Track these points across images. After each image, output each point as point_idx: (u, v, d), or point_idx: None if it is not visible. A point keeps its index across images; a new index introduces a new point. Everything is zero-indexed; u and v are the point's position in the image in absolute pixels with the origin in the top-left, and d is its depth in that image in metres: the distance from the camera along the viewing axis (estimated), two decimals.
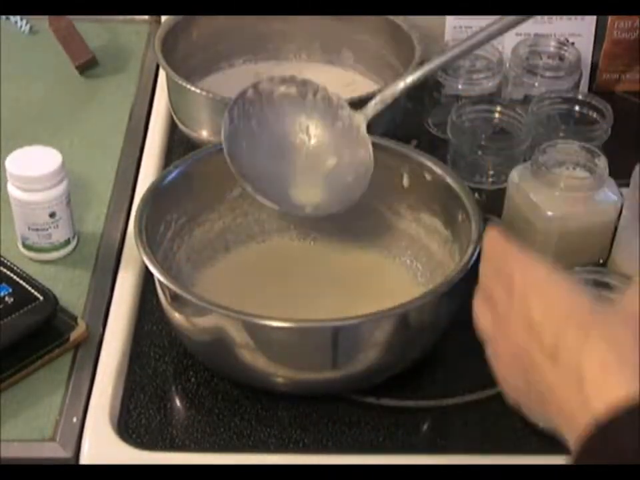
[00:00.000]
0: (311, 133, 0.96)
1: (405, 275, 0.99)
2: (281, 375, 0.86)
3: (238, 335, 0.83)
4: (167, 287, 0.85)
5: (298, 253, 1.01)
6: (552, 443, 0.87)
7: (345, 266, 0.99)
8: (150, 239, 0.88)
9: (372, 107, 0.93)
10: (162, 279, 0.84)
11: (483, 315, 0.73)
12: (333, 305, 0.93)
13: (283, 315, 0.82)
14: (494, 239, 0.73)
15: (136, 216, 0.90)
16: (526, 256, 0.69)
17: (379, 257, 1.00)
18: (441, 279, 0.89)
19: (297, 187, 0.94)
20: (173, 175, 0.95)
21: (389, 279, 0.98)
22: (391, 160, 0.98)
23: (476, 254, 0.86)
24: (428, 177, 0.96)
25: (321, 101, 0.96)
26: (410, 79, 0.95)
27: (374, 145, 0.96)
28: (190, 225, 0.98)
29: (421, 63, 1.03)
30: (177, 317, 0.88)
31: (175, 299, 0.87)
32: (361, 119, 0.94)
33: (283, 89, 0.96)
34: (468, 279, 0.82)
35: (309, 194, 0.94)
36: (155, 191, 0.93)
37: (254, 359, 0.84)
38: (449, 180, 0.95)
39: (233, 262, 0.99)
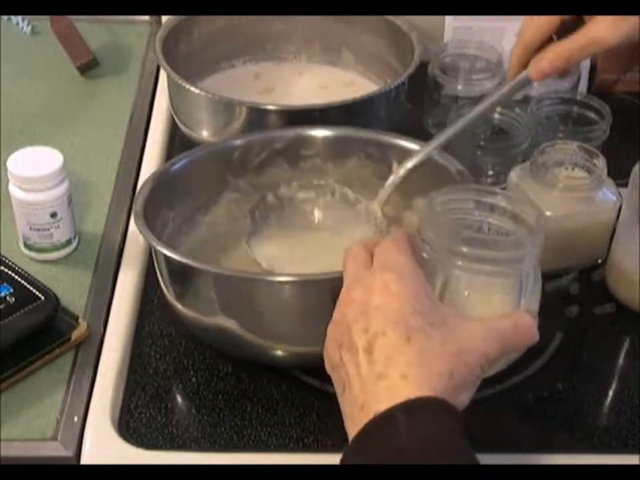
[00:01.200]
0: (332, 225, 0.98)
1: None
2: (284, 338, 0.87)
3: (244, 296, 0.84)
4: (173, 260, 0.85)
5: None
6: (552, 442, 0.87)
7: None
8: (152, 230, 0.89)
9: (382, 194, 0.96)
10: (167, 252, 0.85)
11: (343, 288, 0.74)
12: None
13: None
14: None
15: (135, 205, 0.90)
16: (398, 259, 0.73)
17: None
18: None
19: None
20: (171, 171, 0.96)
21: None
22: (377, 151, 0.99)
23: None
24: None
25: (339, 199, 0.99)
26: (418, 159, 0.96)
27: (358, 138, 0.99)
28: (186, 224, 0.98)
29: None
30: (180, 298, 0.89)
31: (179, 272, 0.87)
32: (375, 207, 0.97)
33: (302, 194, 0.99)
34: None
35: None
36: (155, 184, 0.94)
37: (259, 322, 0.85)
38: (440, 159, 0.96)
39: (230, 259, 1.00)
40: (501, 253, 0.73)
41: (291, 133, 1.01)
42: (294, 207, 0.99)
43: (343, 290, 0.73)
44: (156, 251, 0.88)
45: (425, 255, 0.74)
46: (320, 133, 1.01)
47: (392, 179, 0.96)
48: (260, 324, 0.86)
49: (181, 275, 0.88)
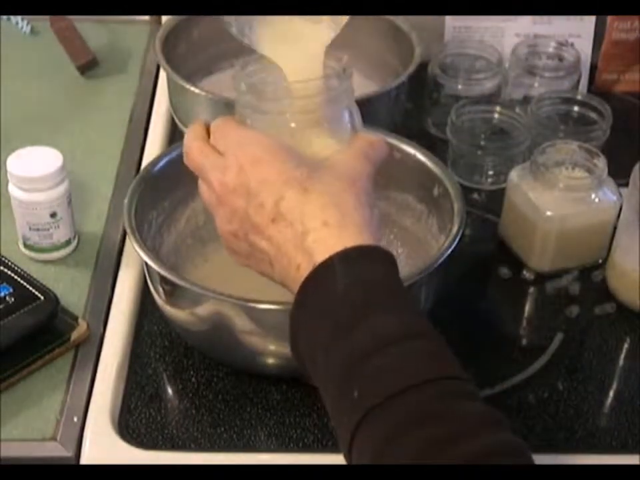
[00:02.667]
0: None
1: None
2: (272, 353, 0.87)
3: (232, 318, 0.84)
4: (166, 279, 0.86)
5: None
6: (552, 442, 0.87)
7: None
8: (141, 236, 0.89)
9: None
10: (163, 272, 0.85)
11: (204, 193, 0.77)
12: None
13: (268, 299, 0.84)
14: (197, 127, 0.78)
15: (127, 215, 0.90)
16: (243, 131, 0.75)
17: None
18: (419, 255, 0.94)
19: None
20: (152, 174, 0.96)
21: None
22: None
23: (461, 231, 0.88)
24: (397, 154, 0.97)
25: None
26: None
27: None
28: (167, 221, 0.98)
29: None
30: (174, 310, 0.89)
31: (172, 292, 0.88)
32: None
33: None
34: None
35: None
36: (141, 189, 0.94)
37: (247, 339, 0.85)
38: (421, 156, 0.96)
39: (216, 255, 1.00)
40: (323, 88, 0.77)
41: None
42: None
43: (213, 185, 0.74)
44: (148, 265, 0.88)
45: (248, 121, 0.77)
46: None
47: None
48: (242, 339, 0.86)
49: (170, 287, 0.88)
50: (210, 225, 1.00)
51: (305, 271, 0.68)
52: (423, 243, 0.97)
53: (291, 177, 0.70)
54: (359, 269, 0.67)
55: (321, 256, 0.67)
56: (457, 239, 0.87)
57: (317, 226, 0.68)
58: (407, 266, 0.97)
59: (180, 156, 0.97)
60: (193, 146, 0.76)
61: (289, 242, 0.69)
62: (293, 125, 0.76)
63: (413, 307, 0.71)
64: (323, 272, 0.67)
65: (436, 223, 0.95)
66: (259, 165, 0.71)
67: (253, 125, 0.77)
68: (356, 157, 0.74)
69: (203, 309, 0.85)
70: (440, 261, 0.85)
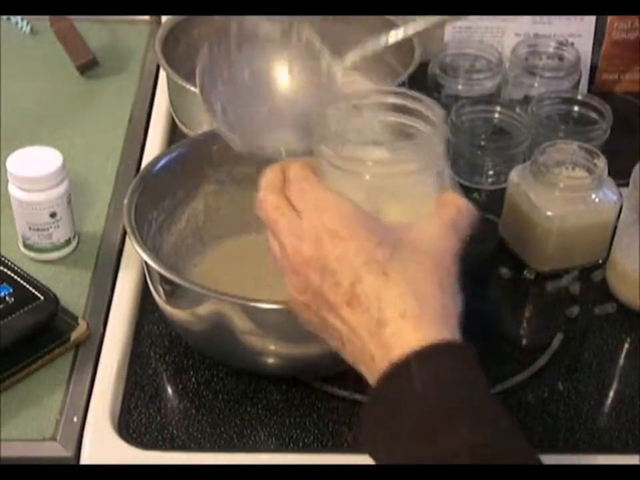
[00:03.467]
0: (289, 76, 0.92)
1: None
2: (273, 353, 0.87)
3: (233, 318, 0.84)
4: (166, 279, 0.86)
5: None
6: (552, 442, 0.87)
7: None
8: (141, 236, 0.89)
9: (349, 58, 0.90)
10: (163, 271, 0.85)
11: (275, 252, 0.72)
12: None
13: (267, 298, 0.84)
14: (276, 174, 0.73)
15: (126, 215, 0.90)
16: (323, 192, 0.69)
17: None
18: None
19: (269, 129, 0.89)
20: (152, 173, 0.96)
21: None
22: None
23: None
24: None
25: (305, 45, 0.93)
26: (394, 36, 0.92)
27: None
28: (167, 221, 0.98)
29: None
30: (173, 310, 0.89)
31: (172, 291, 0.88)
32: (338, 68, 0.91)
33: (267, 28, 0.93)
34: None
35: (279, 138, 0.89)
36: (141, 189, 0.94)
37: (247, 339, 0.85)
38: None
39: (217, 252, 1.00)
40: (413, 151, 0.71)
41: None
42: (256, 52, 0.92)
43: (286, 249, 0.69)
44: (148, 265, 0.88)
45: (332, 174, 0.71)
46: None
47: (368, 45, 0.91)
48: (242, 339, 0.86)
49: (170, 287, 0.88)
50: (210, 224, 1.01)
51: (380, 363, 0.65)
52: None
53: (370, 258, 0.65)
54: (436, 368, 0.64)
55: (397, 351, 0.64)
56: None
57: (395, 316, 0.64)
58: None
59: (180, 155, 0.98)
60: (267, 199, 0.71)
61: (364, 327, 0.66)
62: (373, 188, 0.70)
63: (492, 410, 0.66)
64: (399, 370, 0.64)
65: None
66: (338, 239, 0.66)
67: (329, 176, 0.72)
68: (443, 231, 0.69)
69: (203, 309, 0.85)
70: None
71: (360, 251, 0.66)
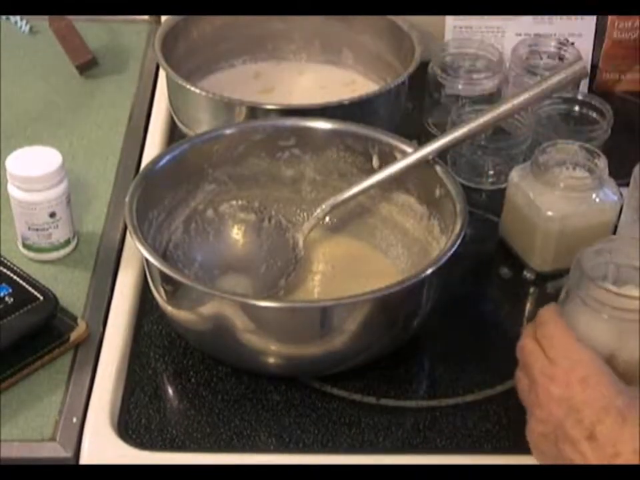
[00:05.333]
0: (257, 238, 1.00)
1: (381, 257, 1.01)
2: (273, 352, 0.87)
3: (234, 317, 0.84)
4: (167, 277, 0.86)
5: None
6: None
7: (324, 252, 1.01)
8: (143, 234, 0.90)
9: (307, 226, 0.99)
10: (164, 269, 0.85)
11: (523, 387, 0.82)
12: (316, 287, 0.98)
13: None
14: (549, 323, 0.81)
15: (128, 213, 0.90)
16: (572, 343, 0.79)
17: (352, 240, 1.02)
18: (420, 256, 0.95)
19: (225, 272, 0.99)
20: (153, 172, 0.96)
21: (367, 261, 1.01)
22: (357, 143, 1.00)
23: (463, 232, 0.88)
24: (399, 156, 0.97)
25: (274, 225, 1.01)
26: (349, 194, 0.98)
27: (341, 131, 1.00)
28: (167, 220, 0.98)
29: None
30: (174, 309, 0.89)
31: (173, 290, 0.88)
32: (298, 238, 0.99)
33: (242, 215, 1.01)
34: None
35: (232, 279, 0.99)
36: (142, 187, 0.94)
37: (248, 338, 0.85)
38: (423, 158, 0.96)
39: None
40: None
41: (269, 124, 1.02)
42: (228, 226, 1.00)
43: (537, 387, 0.78)
44: (149, 263, 0.88)
45: (585, 314, 0.81)
46: (298, 123, 1.01)
47: (317, 212, 0.98)
48: (243, 338, 0.86)
49: (172, 286, 0.88)
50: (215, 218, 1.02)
51: None
52: (424, 245, 0.97)
53: (611, 404, 0.74)
54: None
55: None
56: (460, 240, 0.87)
57: (628, 451, 0.72)
58: (408, 267, 0.97)
59: (180, 155, 0.98)
60: (525, 344, 0.81)
61: (598, 461, 0.73)
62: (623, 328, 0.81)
63: None
64: None
65: (437, 224, 0.95)
66: (585, 385, 0.75)
67: (579, 318, 0.82)
68: None
69: (204, 307, 0.85)
70: (442, 261, 0.85)
71: (603, 397, 0.75)
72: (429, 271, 0.85)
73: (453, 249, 0.86)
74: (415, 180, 0.97)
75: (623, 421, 0.73)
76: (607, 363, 0.83)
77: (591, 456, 0.73)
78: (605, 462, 0.72)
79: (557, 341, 0.79)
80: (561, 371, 0.77)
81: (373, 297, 0.84)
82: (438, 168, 0.95)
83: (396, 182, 0.98)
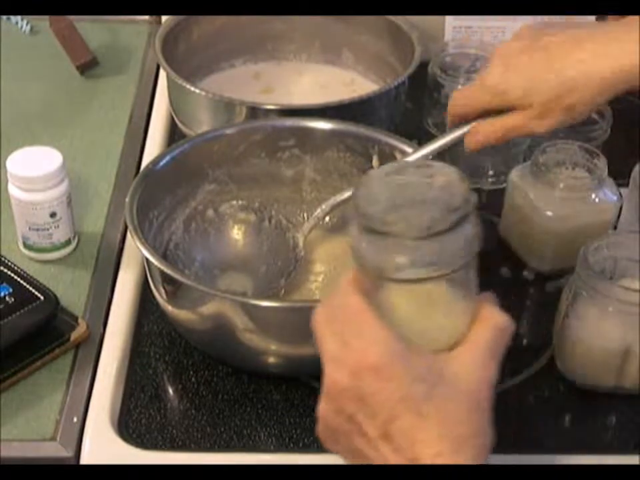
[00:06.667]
0: (258, 250, 1.01)
1: None
2: (273, 352, 0.87)
3: (234, 317, 0.84)
4: (168, 277, 0.86)
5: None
6: (552, 442, 0.87)
7: (324, 252, 1.02)
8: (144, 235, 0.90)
9: (307, 226, 0.99)
10: (165, 269, 0.85)
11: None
12: (317, 287, 0.99)
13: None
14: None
15: (128, 213, 0.91)
16: (366, 325, 0.66)
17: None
18: None
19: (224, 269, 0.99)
20: (154, 172, 0.96)
21: None
22: (357, 144, 1.00)
23: None
24: (399, 156, 0.97)
25: (274, 225, 1.01)
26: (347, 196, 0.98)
27: (341, 131, 1.00)
28: (167, 220, 0.98)
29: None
30: (175, 309, 0.89)
31: (174, 290, 0.88)
32: (298, 238, 0.99)
33: (242, 215, 1.01)
34: None
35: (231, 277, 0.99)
36: (142, 187, 0.94)
37: (248, 337, 0.86)
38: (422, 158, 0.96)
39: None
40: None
41: (269, 124, 1.02)
42: (228, 226, 1.01)
43: (327, 372, 0.67)
44: (150, 263, 0.88)
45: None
46: (299, 124, 1.01)
47: (317, 212, 0.98)
48: (243, 338, 0.86)
49: (172, 286, 0.89)
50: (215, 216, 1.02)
51: None
52: None
53: (408, 395, 0.64)
54: None
55: None
56: None
57: (430, 456, 0.64)
58: None
59: (180, 155, 0.98)
60: (318, 310, 0.69)
61: (399, 463, 0.65)
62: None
63: None
64: None
65: None
66: (378, 374, 0.64)
67: (588, 315, 0.80)
68: (481, 361, 0.67)
69: (204, 307, 0.85)
70: None
71: (398, 387, 0.64)
72: None
73: None
74: None
75: (422, 419, 0.64)
76: (623, 358, 0.81)
77: (391, 457, 0.65)
78: (407, 463, 0.64)
79: (352, 313, 0.67)
80: (351, 356, 0.65)
81: None
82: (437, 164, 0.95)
83: None
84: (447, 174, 0.67)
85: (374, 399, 0.65)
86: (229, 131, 1.01)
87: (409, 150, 0.97)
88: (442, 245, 0.65)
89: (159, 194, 0.96)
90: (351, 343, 0.66)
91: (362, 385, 0.65)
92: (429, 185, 0.66)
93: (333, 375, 0.66)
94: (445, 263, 0.66)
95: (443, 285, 0.68)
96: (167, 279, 0.87)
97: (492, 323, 0.70)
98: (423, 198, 0.66)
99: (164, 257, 0.95)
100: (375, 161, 0.99)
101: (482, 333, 0.69)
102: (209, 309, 0.85)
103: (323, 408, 0.68)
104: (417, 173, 0.68)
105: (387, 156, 0.98)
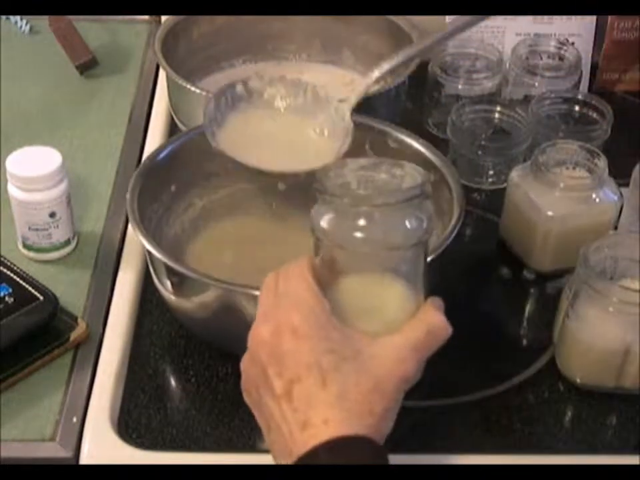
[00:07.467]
0: (300, 128, 0.98)
1: None
2: None
3: (240, 307, 0.84)
4: (173, 270, 0.86)
5: (269, 230, 1.02)
6: (552, 442, 0.87)
7: None
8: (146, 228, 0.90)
9: (354, 98, 0.97)
10: (170, 263, 0.86)
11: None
12: None
13: None
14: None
15: (130, 207, 0.91)
16: (300, 290, 0.71)
17: None
18: None
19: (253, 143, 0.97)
20: (153, 166, 0.97)
21: None
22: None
23: (461, 220, 0.88)
24: (393, 144, 0.98)
25: (311, 97, 0.99)
26: (393, 63, 0.98)
27: None
28: (166, 213, 0.98)
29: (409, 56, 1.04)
30: (180, 301, 0.90)
31: (179, 283, 0.88)
32: (345, 109, 0.97)
33: (272, 90, 0.99)
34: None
35: (260, 154, 0.96)
36: (142, 181, 0.94)
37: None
38: (417, 145, 0.97)
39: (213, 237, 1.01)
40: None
41: None
42: (261, 100, 0.98)
43: (254, 325, 0.72)
44: (152, 256, 0.88)
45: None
46: None
47: (365, 82, 0.96)
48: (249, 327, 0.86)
49: (177, 278, 0.89)
50: (205, 212, 1.02)
51: (294, 458, 0.68)
52: None
53: (317, 362, 0.68)
54: (341, 457, 0.66)
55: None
56: (459, 224, 0.88)
57: (318, 422, 0.67)
58: None
59: (178, 148, 0.98)
60: (270, 274, 0.74)
61: (292, 423, 0.68)
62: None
63: None
64: (307, 460, 0.67)
65: (433, 210, 0.95)
66: (295, 335, 0.69)
67: (588, 314, 0.81)
68: (401, 354, 0.70)
69: (209, 299, 0.86)
70: (447, 242, 0.86)
71: (310, 353, 0.68)
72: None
73: (450, 239, 0.87)
74: None
75: (323, 387, 0.67)
76: (623, 358, 0.82)
77: (289, 417, 0.68)
78: (298, 429, 0.67)
79: (289, 283, 0.72)
80: (278, 314, 0.70)
81: None
82: (433, 155, 0.96)
83: None
84: (414, 176, 0.71)
85: (286, 357, 0.69)
86: None
87: (404, 137, 0.98)
88: (392, 220, 0.69)
89: (157, 189, 0.96)
90: (282, 304, 0.71)
91: (279, 342, 0.69)
92: (397, 184, 0.71)
93: (259, 328, 0.71)
94: (393, 238, 0.70)
95: (389, 270, 0.72)
96: (171, 272, 0.87)
97: (428, 322, 0.72)
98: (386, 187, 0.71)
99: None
100: (367, 148, 0.98)
101: (415, 328, 0.71)
102: (213, 299, 0.86)
103: (245, 357, 0.73)
104: (388, 171, 0.72)
105: (380, 142, 0.99)
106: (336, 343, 0.69)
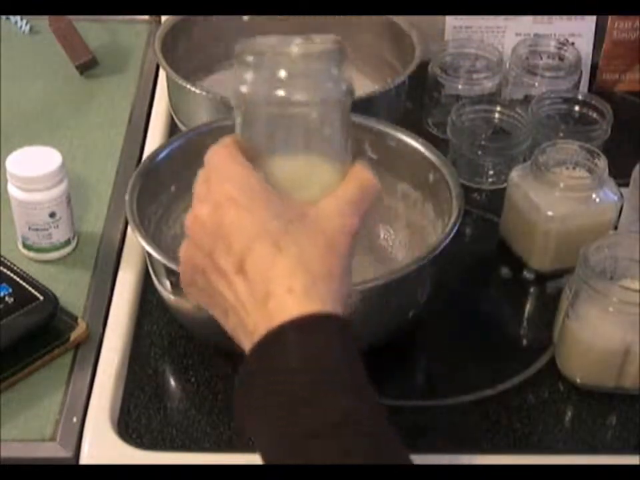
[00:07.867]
0: None
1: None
2: None
3: None
4: (172, 271, 0.85)
5: None
6: (552, 442, 0.87)
7: None
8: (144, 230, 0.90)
9: None
10: (170, 264, 0.85)
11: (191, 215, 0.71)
12: None
13: None
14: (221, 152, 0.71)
15: (129, 209, 0.90)
16: (229, 166, 0.69)
17: None
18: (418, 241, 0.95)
19: None
20: (151, 167, 0.97)
21: None
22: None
23: (460, 220, 0.88)
24: (392, 144, 0.97)
25: None
26: None
27: None
28: (165, 214, 0.98)
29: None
30: (179, 301, 0.90)
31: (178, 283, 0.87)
32: None
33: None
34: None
35: None
36: (141, 183, 0.94)
37: None
38: (417, 145, 0.97)
39: None
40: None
41: None
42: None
43: (190, 211, 0.69)
44: (152, 257, 0.88)
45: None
46: None
47: None
48: None
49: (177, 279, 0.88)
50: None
51: (259, 334, 0.64)
52: (419, 230, 0.97)
53: (265, 229, 0.65)
54: (310, 339, 0.64)
55: (278, 322, 0.64)
56: (458, 224, 0.87)
57: (281, 292, 0.64)
58: (406, 252, 0.98)
59: (177, 149, 0.98)
60: (199, 174, 0.71)
61: (250, 297, 0.65)
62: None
63: (358, 386, 0.65)
64: (274, 339, 0.64)
65: (432, 209, 0.95)
66: (235, 206, 0.66)
67: (588, 314, 0.81)
68: (342, 209, 0.68)
69: None
70: (446, 242, 0.86)
71: (255, 221, 0.65)
72: (428, 258, 0.85)
73: (449, 238, 0.87)
74: (407, 166, 0.98)
75: (277, 251, 0.64)
76: (623, 358, 0.82)
77: (247, 293, 0.65)
78: (259, 304, 0.64)
79: (215, 158, 0.69)
80: (212, 191, 0.68)
81: (363, 287, 0.84)
82: (432, 154, 0.96)
83: (387, 168, 0.97)
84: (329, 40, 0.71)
85: (231, 231, 0.65)
86: (224, 125, 1.01)
87: (402, 136, 0.98)
88: (312, 74, 0.69)
89: (157, 189, 0.96)
90: (213, 182, 0.68)
91: (221, 218, 0.66)
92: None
93: (196, 212, 0.68)
94: (313, 92, 0.69)
95: (313, 142, 0.70)
96: (171, 272, 0.87)
97: (359, 179, 0.71)
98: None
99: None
100: (366, 148, 0.98)
101: (348, 187, 0.70)
102: None
103: (184, 246, 0.69)
104: (303, 40, 0.71)
105: (379, 142, 0.98)
106: (277, 209, 0.66)
